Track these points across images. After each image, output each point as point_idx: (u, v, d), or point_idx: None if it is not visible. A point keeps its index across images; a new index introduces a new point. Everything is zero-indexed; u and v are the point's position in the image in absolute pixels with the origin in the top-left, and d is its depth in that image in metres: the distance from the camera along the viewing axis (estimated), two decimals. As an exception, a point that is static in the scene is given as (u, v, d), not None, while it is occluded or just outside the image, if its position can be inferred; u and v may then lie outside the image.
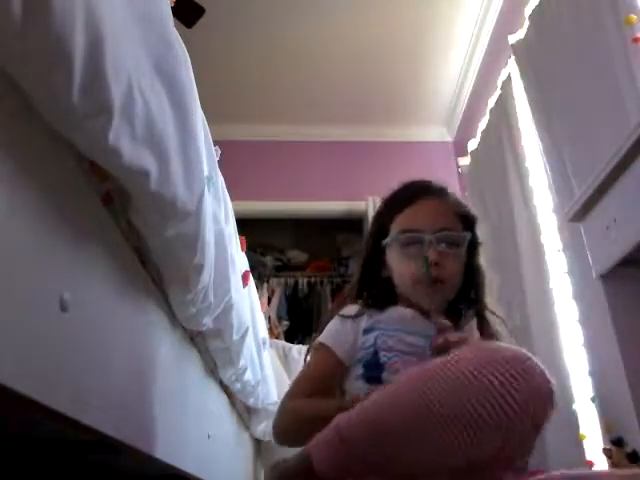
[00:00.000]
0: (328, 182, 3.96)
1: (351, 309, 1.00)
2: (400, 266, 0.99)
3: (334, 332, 0.98)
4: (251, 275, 1.78)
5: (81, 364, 0.68)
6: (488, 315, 1.02)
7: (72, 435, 0.73)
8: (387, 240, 1.00)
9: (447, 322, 0.90)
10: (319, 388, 0.94)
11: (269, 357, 2.15)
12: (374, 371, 0.90)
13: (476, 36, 3.31)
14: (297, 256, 4.66)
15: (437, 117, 4.01)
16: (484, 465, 0.69)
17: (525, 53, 2.52)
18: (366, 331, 0.96)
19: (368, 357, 0.92)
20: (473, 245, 1.03)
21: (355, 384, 0.93)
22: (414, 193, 1.02)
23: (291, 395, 0.95)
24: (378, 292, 1.02)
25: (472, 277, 1.02)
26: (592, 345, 2.05)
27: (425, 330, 0.93)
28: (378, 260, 1.03)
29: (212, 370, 1.52)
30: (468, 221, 1.03)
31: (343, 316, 0.99)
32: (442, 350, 0.80)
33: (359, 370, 0.93)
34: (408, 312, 0.97)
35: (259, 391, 1.93)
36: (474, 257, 1.03)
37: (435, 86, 3.72)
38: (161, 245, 0.89)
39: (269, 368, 2.11)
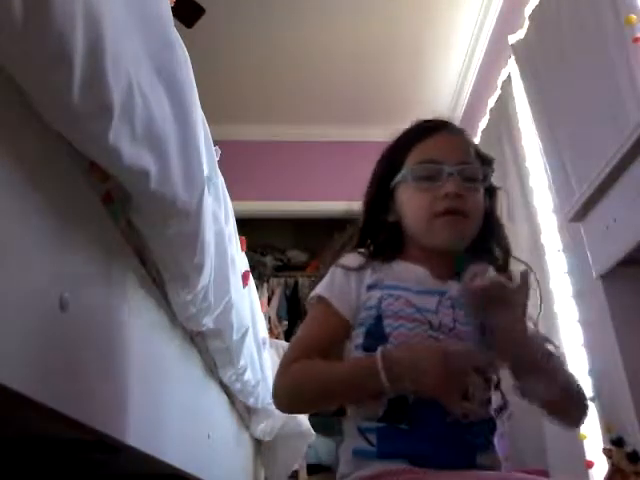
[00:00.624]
0: (328, 182, 3.96)
1: (353, 259, 0.89)
2: (415, 201, 0.89)
3: (337, 286, 0.87)
4: (251, 275, 1.78)
5: (81, 364, 0.68)
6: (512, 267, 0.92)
7: (72, 435, 0.73)
8: (400, 175, 0.90)
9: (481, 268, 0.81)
10: (324, 348, 0.83)
11: (269, 357, 2.15)
12: (377, 341, 0.80)
13: (476, 36, 3.31)
14: (297, 256, 4.66)
15: (437, 117, 4.01)
16: None
17: (525, 53, 2.52)
18: (370, 287, 0.86)
19: (371, 322, 0.83)
20: (490, 191, 0.94)
21: (355, 354, 0.83)
22: (432, 126, 0.94)
23: (294, 356, 0.83)
24: (383, 239, 0.92)
25: (491, 226, 0.93)
26: (592, 345, 2.05)
27: (436, 287, 0.85)
28: (383, 204, 0.94)
29: (212, 370, 1.52)
30: (485, 163, 0.95)
31: (345, 267, 0.88)
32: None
33: (360, 338, 0.83)
34: (417, 268, 0.88)
35: (259, 391, 1.93)
36: (494, 198, 0.95)
37: (435, 86, 3.72)
38: (161, 245, 0.89)
39: (269, 368, 2.11)
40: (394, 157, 0.94)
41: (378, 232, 0.94)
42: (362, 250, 0.91)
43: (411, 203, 0.89)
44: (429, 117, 0.98)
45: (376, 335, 0.82)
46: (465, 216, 0.86)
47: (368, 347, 0.81)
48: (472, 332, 0.82)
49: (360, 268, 0.87)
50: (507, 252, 0.93)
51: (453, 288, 0.86)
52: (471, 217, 0.87)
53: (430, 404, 0.75)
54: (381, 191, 0.94)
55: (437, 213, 0.86)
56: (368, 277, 0.87)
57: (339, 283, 0.87)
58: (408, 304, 0.82)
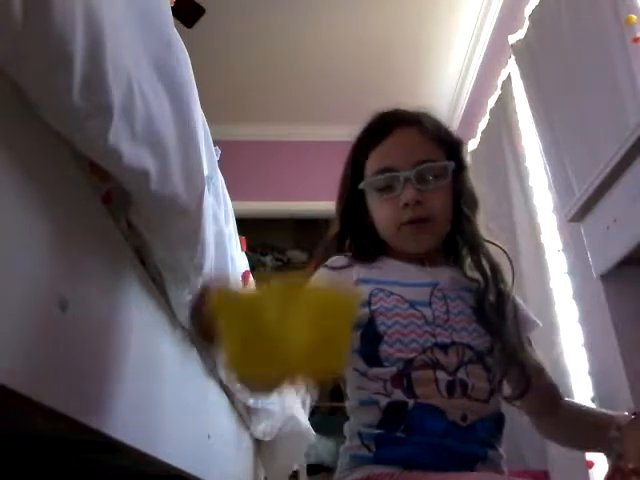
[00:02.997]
0: (328, 182, 3.95)
1: (338, 260, 0.88)
2: (379, 211, 0.89)
3: (324, 279, 0.85)
4: (251, 275, 1.78)
5: (81, 364, 0.68)
6: (483, 245, 0.91)
7: (72, 435, 0.73)
8: (362, 184, 0.90)
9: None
10: None
11: (269, 357, 2.14)
12: (372, 344, 0.79)
13: (476, 36, 3.31)
14: (297, 256, 4.66)
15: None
16: None
17: (525, 53, 2.52)
18: (358, 282, 0.84)
19: (364, 321, 0.80)
20: (459, 170, 0.92)
21: (356, 361, 0.81)
22: (386, 126, 0.93)
23: None
24: (364, 240, 0.92)
25: (459, 205, 0.91)
26: (592, 345, 2.05)
27: (426, 280, 0.84)
28: (360, 205, 0.93)
29: (212, 370, 1.52)
30: (452, 146, 0.93)
31: (329, 267, 0.87)
32: None
33: (356, 342, 0.81)
34: (402, 264, 0.87)
35: (259, 391, 1.92)
36: (461, 182, 0.93)
37: (435, 86, 3.72)
38: (161, 245, 0.89)
39: (269, 368, 2.10)
40: (356, 161, 0.94)
41: (357, 233, 0.93)
42: (346, 253, 0.91)
43: (377, 213, 0.90)
44: (386, 108, 0.97)
45: (370, 336, 0.80)
46: (430, 220, 0.85)
47: (365, 353, 0.80)
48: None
49: (345, 267, 0.87)
50: (473, 235, 0.90)
51: (442, 278, 0.85)
52: (437, 219, 0.86)
53: (429, 412, 0.74)
54: (353, 193, 0.93)
55: (401, 224, 0.86)
56: (355, 273, 0.86)
57: (326, 277, 0.86)
58: (401, 300, 0.81)
